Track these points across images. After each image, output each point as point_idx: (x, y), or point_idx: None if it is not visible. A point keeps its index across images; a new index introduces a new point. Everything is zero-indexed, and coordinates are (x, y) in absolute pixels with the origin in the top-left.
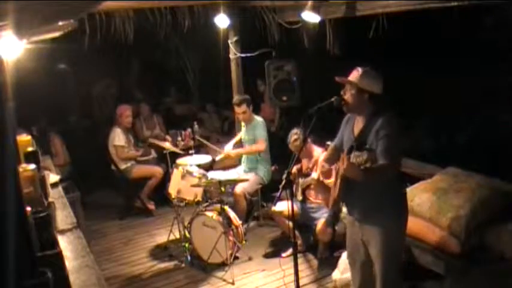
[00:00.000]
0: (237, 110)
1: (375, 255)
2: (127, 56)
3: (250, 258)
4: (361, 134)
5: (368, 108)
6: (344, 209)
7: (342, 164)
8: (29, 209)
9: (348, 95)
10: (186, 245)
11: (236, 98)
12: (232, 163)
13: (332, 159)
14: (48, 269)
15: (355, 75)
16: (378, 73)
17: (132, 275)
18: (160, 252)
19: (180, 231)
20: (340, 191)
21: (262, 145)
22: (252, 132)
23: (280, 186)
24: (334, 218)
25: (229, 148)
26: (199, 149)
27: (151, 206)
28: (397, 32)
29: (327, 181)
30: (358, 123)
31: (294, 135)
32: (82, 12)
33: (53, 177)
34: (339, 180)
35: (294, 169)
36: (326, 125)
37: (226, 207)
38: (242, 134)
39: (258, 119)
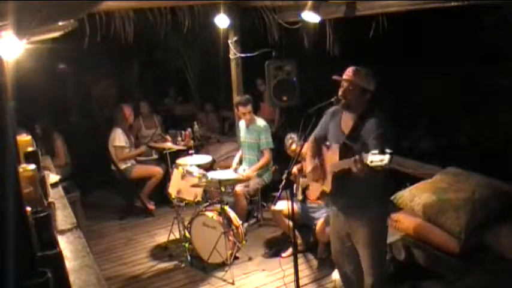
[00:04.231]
0: (243, 110)
1: (362, 245)
2: (127, 56)
3: (250, 258)
4: (352, 132)
5: (365, 107)
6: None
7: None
8: (29, 209)
9: (349, 94)
10: (186, 245)
11: (241, 98)
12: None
13: (314, 152)
14: (48, 269)
15: (356, 74)
16: (372, 72)
17: (132, 275)
18: (160, 252)
19: (180, 231)
20: (333, 186)
21: (269, 156)
22: (256, 136)
23: (280, 186)
24: None
25: (245, 170)
26: (199, 149)
27: (151, 206)
28: (397, 32)
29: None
30: (347, 120)
31: (289, 140)
32: (82, 12)
33: (53, 177)
34: (330, 176)
35: (295, 169)
36: None
37: (226, 207)
38: (242, 134)
39: (262, 122)
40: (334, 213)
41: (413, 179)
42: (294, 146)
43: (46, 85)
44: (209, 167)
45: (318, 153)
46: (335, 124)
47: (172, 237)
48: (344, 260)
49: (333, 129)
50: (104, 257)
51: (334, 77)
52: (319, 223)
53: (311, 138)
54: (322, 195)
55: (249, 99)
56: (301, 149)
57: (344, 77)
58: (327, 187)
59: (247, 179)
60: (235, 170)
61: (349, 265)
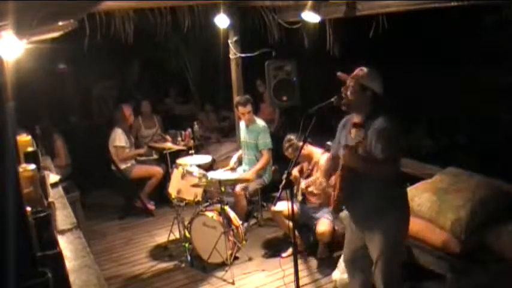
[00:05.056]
0: (242, 110)
1: (377, 256)
2: (127, 56)
3: (250, 258)
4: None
5: (367, 107)
6: (345, 212)
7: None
8: (29, 209)
9: (350, 92)
10: (186, 245)
11: (241, 97)
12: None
13: (331, 169)
14: (48, 269)
15: (359, 73)
16: (380, 74)
17: (132, 275)
18: (160, 252)
19: (180, 231)
20: (340, 190)
21: (268, 156)
22: (255, 136)
23: (280, 187)
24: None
25: (245, 171)
26: (199, 149)
27: (151, 206)
28: (397, 32)
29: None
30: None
31: (286, 142)
32: (82, 12)
33: (53, 177)
34: (338, 179)
35: (296, 171)
36: (325, 125)
37: (226, 207)
38: (242, 134)
39: (261, 122)
40: (350, 224)
41: (413, 179)
42: (290, 150)
43: (46, 85)
44: (209, 167)
45: (334, 169)
46: (346, 132)
47: (172, 237)
48: (355, 269)
49: (343, 138)
50: (104, 257)
51: (339, 74)
52: (319, 223)
53: (329, 155)
54: (336, 202)
55: (249, 99)
56: (301, 149)
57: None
58: (335, 193)
59: (247, 181)
60: (233, 170)
61: (360, 274)
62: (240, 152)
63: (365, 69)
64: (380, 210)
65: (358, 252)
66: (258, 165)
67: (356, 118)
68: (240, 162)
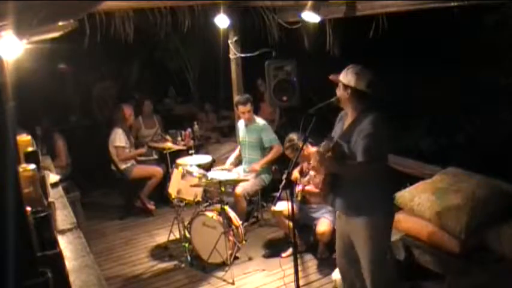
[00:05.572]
0: (242, 109)
1: (361, 251)
2: (127, 56)
3: (250, 258)
4: (346, 131)
5: (354, 105)
6: None
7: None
8: (29, 209)
9: (338, 92)
10: (186, 245)
11: (241, 97)
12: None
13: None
14: (48, 269)
15: (343, 71)
16: (364, 70)
17: (132, 275)
18: (160, 252)
19: (180, 231)
20: (324, 184)
21: (280, 148)
22: (256, 135)
23: (280, 187)
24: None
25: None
26: (199, 149)
27: (151, 206)
28: (397, 32)
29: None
30: (348, 121)
31: (287, 142)
32: (82, 12)
33: (53, 177)
34: (324, 174)
35: (296, 172)
36: (326, 125)
37: (227, 207)
38: (241, 134)
39: (261, 121)
40: (337, 214)
41: (413, 179)
42: (290, 150)
43: (46, 85)
44: (209, 167)
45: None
46: (339, 129)
47: (172, 237)
48: (346, 262)
49: (336, 135)
50: (104, 257)
51: (331, 77)
52: (319, 223)
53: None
54: (322, 196)
55: (249, 98)
56: (302, 149)
57: None
58: (321, 187)
59: (254, 171)
60: (229, 170)
61: (350, 267)
62: (237, 152)
63: (348, 66)
64: (363, 205)
65: (346, 243)
66: (268, 157)
67: (350, 114)
68: (239, 162)
